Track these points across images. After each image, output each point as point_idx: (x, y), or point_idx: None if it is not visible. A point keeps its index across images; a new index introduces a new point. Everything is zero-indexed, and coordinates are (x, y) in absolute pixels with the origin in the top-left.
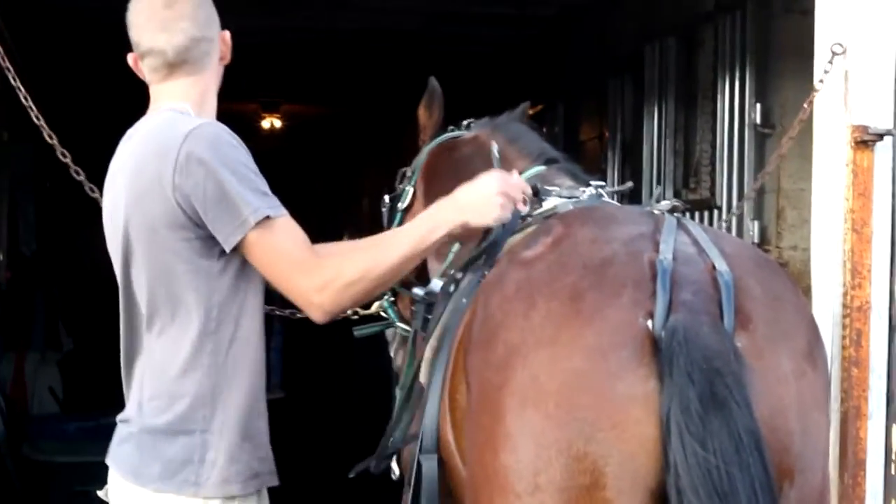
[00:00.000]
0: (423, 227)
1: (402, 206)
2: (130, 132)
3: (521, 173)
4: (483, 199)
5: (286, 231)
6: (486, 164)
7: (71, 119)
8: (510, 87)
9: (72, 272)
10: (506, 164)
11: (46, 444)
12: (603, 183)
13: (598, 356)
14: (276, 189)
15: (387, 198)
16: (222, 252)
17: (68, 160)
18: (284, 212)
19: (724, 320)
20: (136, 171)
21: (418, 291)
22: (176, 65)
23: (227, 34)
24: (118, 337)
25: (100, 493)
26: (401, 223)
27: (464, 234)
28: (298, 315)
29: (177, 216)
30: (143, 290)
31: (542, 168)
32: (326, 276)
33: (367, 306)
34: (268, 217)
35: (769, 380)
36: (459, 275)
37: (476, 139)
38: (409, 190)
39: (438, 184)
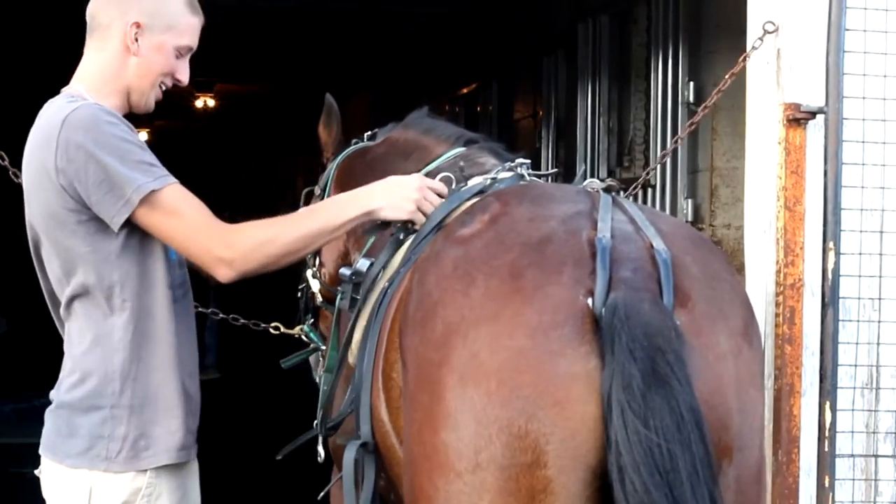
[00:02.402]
0: (337, 208)
1: None
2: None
3: (441, 156)
4: (399, 194)
5: (178, 198)
6: (404, 159)
7: None
8: (445, 65)
9: (3, 254)
10: (426, 153)
11: None
12: (526, 161)
13: (539, 334)
14: (210, 169)
15: None
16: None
17: None
18: (173, 180)
19: (663, 298)
20: (28, 160)
21: (345, 271)
22: (88, 27)
23: (141, 31)
24: (50, 319)
25: (36, 472)
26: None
27: (373, 224)
28: (242, 321)
29: (66, 201)
30: (54, 274)
31: (461, 149)
32: (233, 233)
33: (290, 326)
34: (153, 191)
35: (708, 358)
36: (386, 255)
37: (387, 140)
38: None
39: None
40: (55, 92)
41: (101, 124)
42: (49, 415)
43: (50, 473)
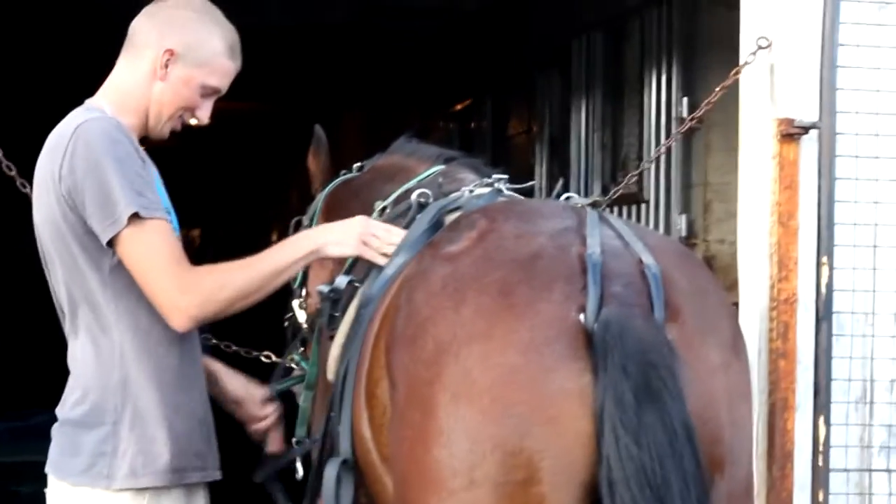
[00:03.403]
0: (285, 249)
1: None
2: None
3: (421, 175)
4: (344, 232)
5: (159, 233)
6: (388, 182)
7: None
8: (438, 81)
9: None
10: (408, 173)
11: None
12: (504, 176)
13: (532, 351)
14: (203, 186)
15: None
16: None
17: None
18: (161, 216)
19: (654, 313)
20: (39, 166)
21: (322, 288)
22: (126, 41)
23: (173, 60)
24: (47, 336)
25: (46, 491)
26: (305, 273)
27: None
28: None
29: (65, 211)
30: (60, 287)
31: (441, 167)
32: (194, 279)
33: (279, 354)
34: (138, 215)
35: (700, 372)
36: (366, 273)
37: (373, 168)
38: None
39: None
40: (63, 102)
41: (111, 139)
42: (55, 433)
43: (55, 492)
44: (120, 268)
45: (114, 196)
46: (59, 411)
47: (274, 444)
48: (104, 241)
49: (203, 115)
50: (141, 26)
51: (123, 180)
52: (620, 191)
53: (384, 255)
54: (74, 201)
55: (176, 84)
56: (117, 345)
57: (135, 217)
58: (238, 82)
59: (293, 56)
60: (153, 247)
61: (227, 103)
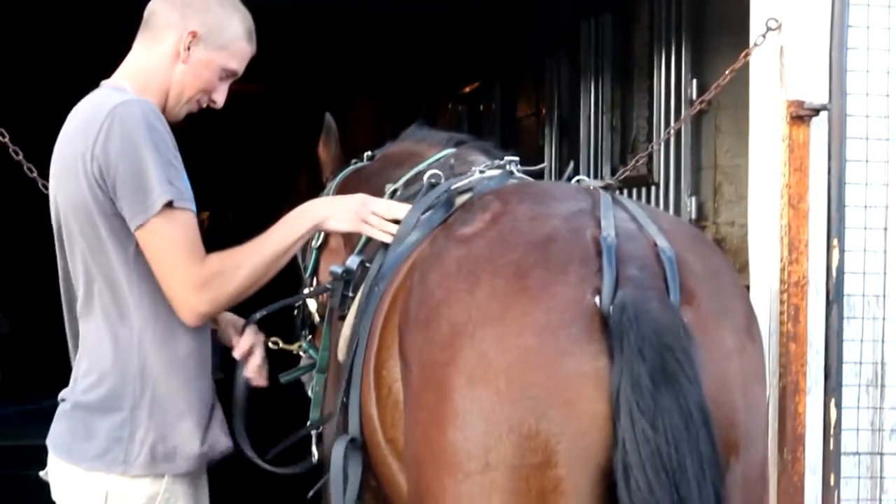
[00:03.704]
0: (286, 228)
1: (315, 244)
2: (73, 110)
3: (431, 158)
4: (342, 206)
5: (183, 226)
6: (398, 168)
7: (9, 100)
8: (447, 63)
9: (8, 254)
10: (418, 158)
11: None
12: (515, 158)
13: (547, 333)
14: (210, 168)
15: None
16: None
17: (6, 140)
18: (190, 206)
19: (669, 296)
20: (62, 148)
21: (336, 269)
22: (144, 23)
23: (196, 42)
24: (57, 319)
25: (41, 474)
26: (316, 262)
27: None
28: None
29: (95, 191)
30: (77, 268)
31: (452, 150)
32: (207, 275)
33: (288, 341)
34: (171, 205)
35: (715, 355)
36: (379, 253)
37: (383, 156)
38: None
39: None
40: (67, 92)
41: (148, 124)
42: (63, 416)
43: (64, 476)
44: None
45: (149, 182)
46: (69, 394)
47: (251, 370)
48: (133, 226)
49: (219, 98)
50: (161, 8)
51: (158, 167)
52: (628, 172)
53: (386, 231)
54: (105, 182)
55: (197, 66)
56: (136, 331)
57: (167, 206)
58: (248, 64)
59: (303, 38)
60: (174, 239)
61: (237, 85)
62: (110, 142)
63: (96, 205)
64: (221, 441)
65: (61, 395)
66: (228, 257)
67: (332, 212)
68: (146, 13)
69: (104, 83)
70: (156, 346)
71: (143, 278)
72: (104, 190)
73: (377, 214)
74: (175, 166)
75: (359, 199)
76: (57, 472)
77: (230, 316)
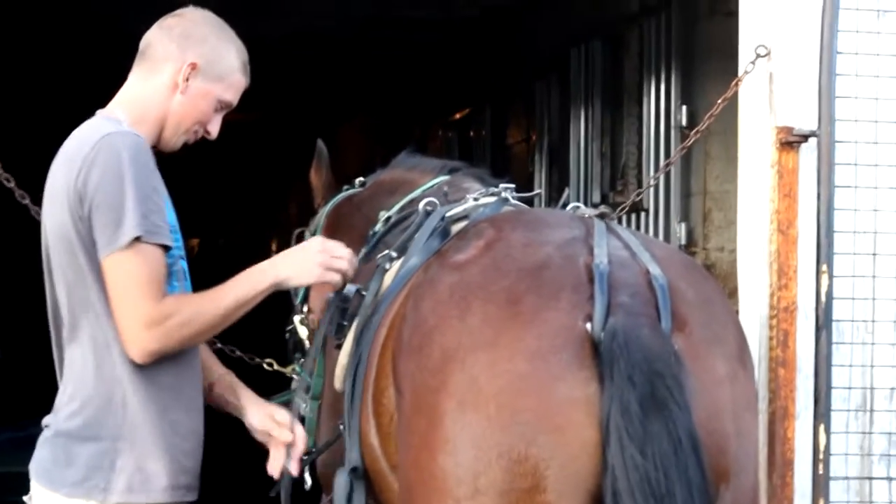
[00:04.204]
0: (246, 284)
1: None
2: (67, 140)
3: (424, 186)
4: (302, 259)
5: (146, 261)
6: (390, 195)
7: (2, 127)
8: (438, 90)
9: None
10: (411, 186)
11: None
12: (511, 185)
13: (538, 359)
14: (203, 195)
15: None
16: None
17: None
18: (161, 241)
19: (661, 323)
20: (52, 177)
21: (331, 296)
22: (140, 53)
23: (194, 73)
24: (48, 346)
25: (24, 499)
26: (307, 288)
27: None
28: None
29: (76, 222)
30: (62, 294)
31: (445, 177)
32: (160, 316)
33: (283, 364)
34: (139, 239)
35: (706, 382)
36: (374, 282)
37: (374, 183)
38: None
39: (344, 232)
40: (61, 119)
41: (133, 158)
42: (45, 442)
43: (44, 502)
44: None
45: (123, 215)
46: (52, 420)
47: (293, 467)
48: (100, 256)
49: (214, 130)
50: (158, 39)
51: (135, 200)
52: (618, 198)
53: (341, 273)
54: (83, 210)
55: (195, 97)
56: (122, 357)
57: (136, 241)
58: (250, 94)
59: (294, 67)
60: (135, 274)
61: (229, 114)
62: (92, 173)
63: (77, 235)
64: (198, 475)
65: (44, 421)
66: (186, 302)
67: (294, 271)
68: (142, 44)
69: (99, 113)
70: (133, 376)
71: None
72: (83, 220)
73: (339, 257)
74: (154, 201)
75: (317, 246)
76: (38, 499)
77: (230, 379)
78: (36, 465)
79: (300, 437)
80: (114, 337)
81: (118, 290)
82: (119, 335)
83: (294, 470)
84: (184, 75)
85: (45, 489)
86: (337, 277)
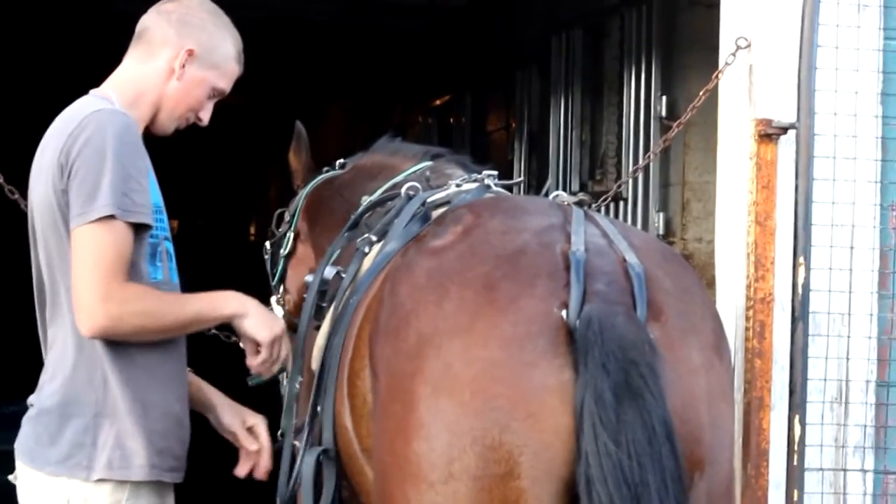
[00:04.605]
0: (212, 304)
1: (283, 252)
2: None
3: (407, 171)
4: (269, 318)
5: (116, 239)
6: (371, 180)
7: None
8: (418, 77)
9: None
10: (393, 171)
11: None
12: (493, 172)
13: (513, 346)
14: (183, 178)
15: (268, 244)
16: None
17: None
18: (137, 220)
19: (637, 311)
20: (40, 151)
21: (308, 278)
22: (136, 37)
23: (191, 60)
24: (23, 325)
25: (10, 478)
26: (284, 270)
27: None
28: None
29: (58, 194)
30: (44, 268)
31: (428, 163)
32: (120, 295)
33: None
34: (112, 217)
35: (681, 371)
36: (353, 265)
37: (355, 167)
38: (290, 235)
39: (324, 216)
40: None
41: (118, 136)
42: (28, 421)
43: (28, 481)
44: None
45: (98, 190)
46: (35, 399)
47: (260, 473)
48: (71, 226)
49: (205, 116)
50: (155, 24)
51: (114, 177)
52: (597, 187)
53: (270, 366)
54: (63, 182)
55: (190, 84)
56: (98, 340)
57: (108, 218)
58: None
59: (275, 50)
60: (101, 249)
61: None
62: (75, 146)
63: (58, 207)
64: (181, 457)
65: (29, 400)
66: (151, 294)
67: (257, 318)
68: (139, 27)
69: (92, 91)
70: (119, 352)
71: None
72: (64, 192)
73: (282, 349)
74: (137, 180)
75: (282, 327)
76: (22, 478)
77: (194, 377)
78: (20, 444)
79: (266, 446)
80: None
81: (81, 262)
82: (74, 306)
83: (261, 475)
84: (180, 61)
85: (29, 468)
86: (267, 366)
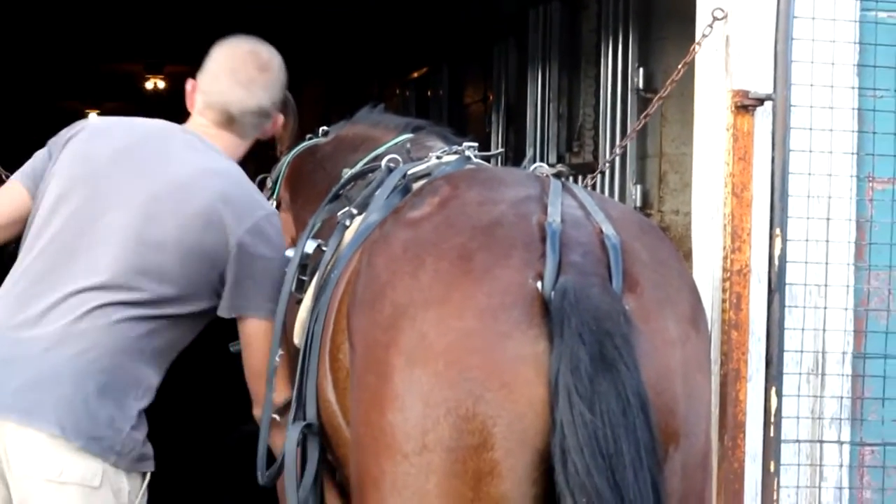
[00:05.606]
0: None
1: None
2: (151, 124)
3: (388, 143)
4: None
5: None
6: (353, 152)
7: None
8: (396, 49)
9: None
10: (374, 143)
11: None
12: (473, 144)
13: (488, 316)
14: None
15: None
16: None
17: None
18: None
19: (612, 283)
20: (185, 182)
21: (289, 253)
22: (231, 121)
23: (281, 119)
24: None
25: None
26: None
27: None
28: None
29: (218, 253)
30: (152, 264)
31: (409, 135)
32: None
33: None
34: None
35: (656, 343)
36: (334, 239)
37: (336, 137)
38: (273, 203)
39: (305, 188)
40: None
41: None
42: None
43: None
44: (195, 320)
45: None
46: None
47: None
48: (225, 314)
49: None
50: (255, 105)
51: (272, 282)
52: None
53: None
54: (230, 256)
55: (267, 132)
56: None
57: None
58: (199, 52)
59: (251, 20)
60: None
61: (184, 67)
62: (258, 244)
63: (208, 258)
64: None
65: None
66: None
67: None
68: (235, 114)
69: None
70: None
71: (161, 350)
72: (222, 262)
73: None
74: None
75: None
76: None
77: None
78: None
79: None
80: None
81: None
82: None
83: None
84: (273, 128)
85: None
86: None
